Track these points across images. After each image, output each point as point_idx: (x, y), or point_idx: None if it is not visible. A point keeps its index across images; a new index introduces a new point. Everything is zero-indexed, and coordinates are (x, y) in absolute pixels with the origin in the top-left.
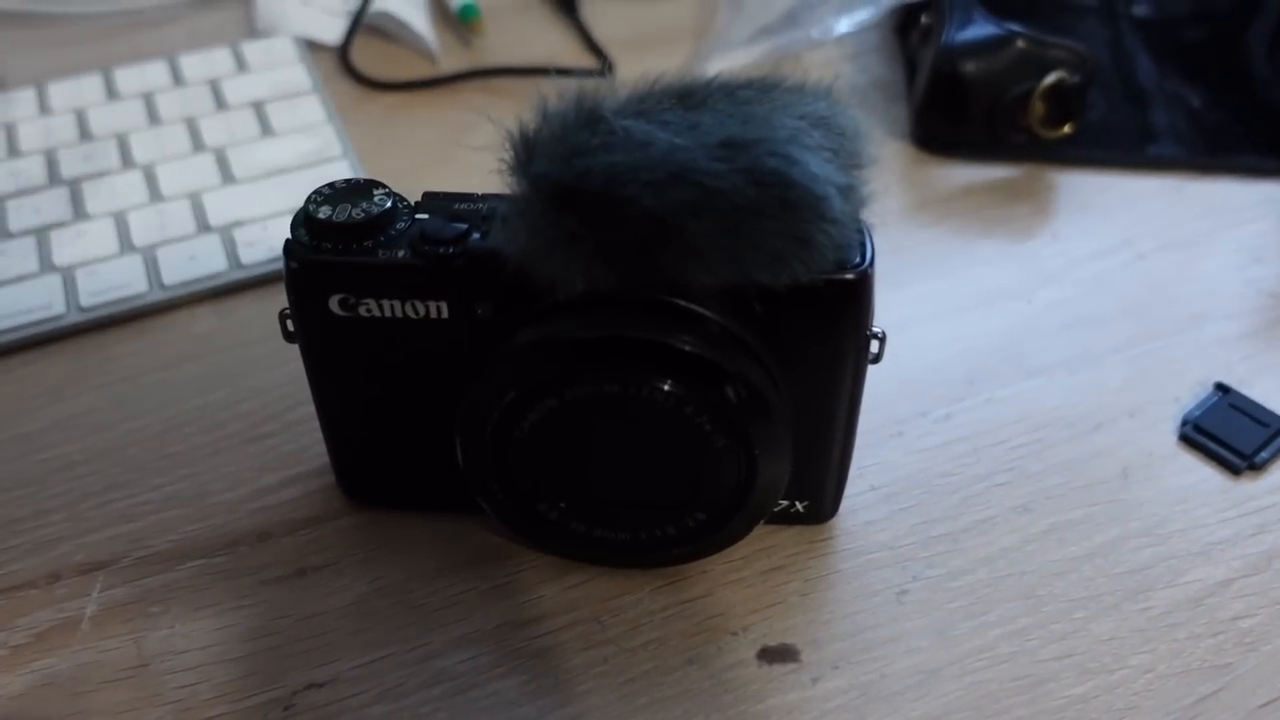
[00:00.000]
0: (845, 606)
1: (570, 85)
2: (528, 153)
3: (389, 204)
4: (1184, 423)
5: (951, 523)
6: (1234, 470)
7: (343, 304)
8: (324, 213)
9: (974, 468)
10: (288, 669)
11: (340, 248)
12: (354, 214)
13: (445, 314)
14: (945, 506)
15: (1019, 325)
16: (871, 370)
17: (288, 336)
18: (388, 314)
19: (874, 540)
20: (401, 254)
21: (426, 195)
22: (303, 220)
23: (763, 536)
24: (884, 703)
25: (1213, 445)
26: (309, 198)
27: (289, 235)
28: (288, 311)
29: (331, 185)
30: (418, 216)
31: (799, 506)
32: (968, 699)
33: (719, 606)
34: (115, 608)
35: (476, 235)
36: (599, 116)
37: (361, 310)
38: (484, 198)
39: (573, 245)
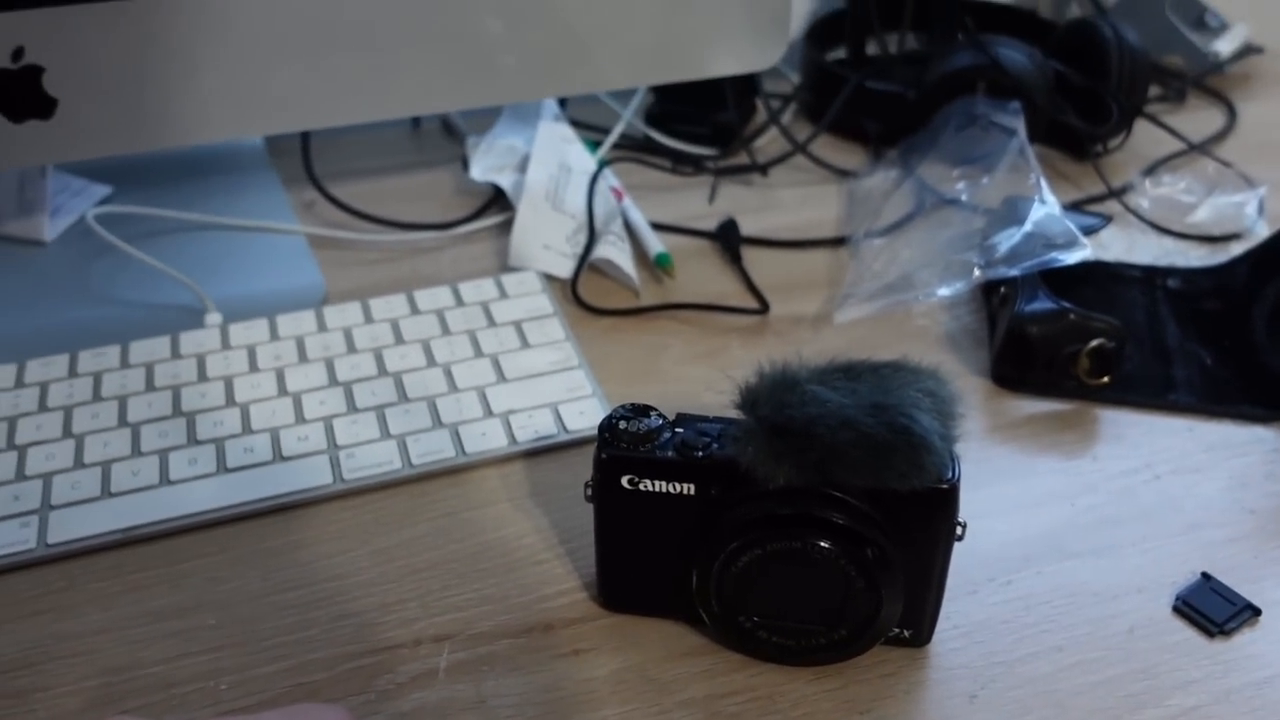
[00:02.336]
0: (934, 704)
1: (779, 356)
2: (752, 399)
3: (659, 422)
4: (1176, 598)
5: (1009, 653)
6: (1209, 634)
7: (630, 482)
8: (623, 424)
9: (1026, 617)
10: (569, 714)
11: (630, 446)
12: (640, 426)
13: (692, 492)
14: (1005, 642)
15: (1063, 521)
16: (956, 546)
17: (588, 499)
18: (656, 490)
19: (956, 662)
20: (670, 454)
21: (680, 415)
22: (608, 426)
23: (881, 651)
24: None
25: (1196, 615)
26: (613, 412)
27: (599, 433)
28: (589, 482)
29: (625, 406)
30: (677, 430)
31: (905, 633)
32: None
33: (851, 695)
34: (458, 664)
35: (716, 445)
36: (796, 382)
37: (640, 487)
38: (718, 420)
39: (779, 459)
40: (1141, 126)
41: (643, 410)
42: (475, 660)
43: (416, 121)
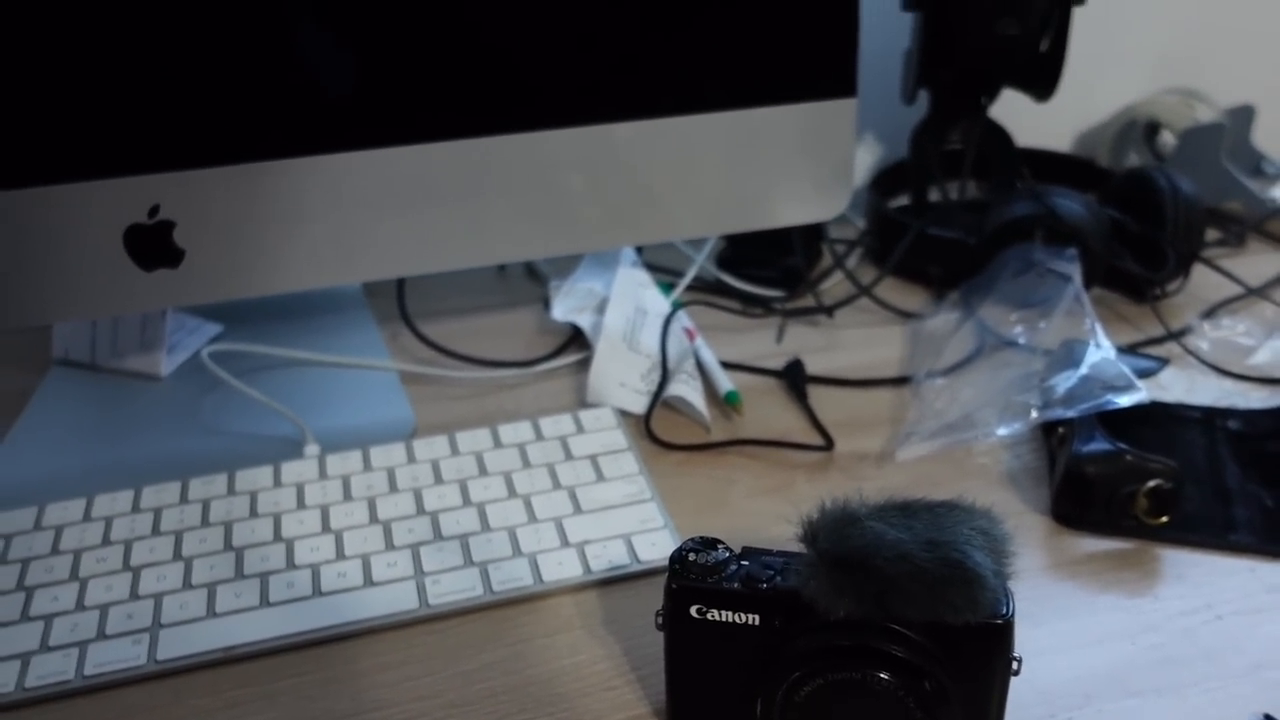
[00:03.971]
0: None
1: (841, 493)
2: (814, 534)
3: (726, 555)
4: None
5: None
6: None
7: (698, 611)
8: (692, 556)
9: None
10: None
11: (699, 578)
12: (707, 559)
13: (757, 622)
14: None
15: (1124, 659)
16: (1015, 681)
17: (659, 627)
18: (723, 619)
19: None
20: (735, 585)
21: (745, 549)
22: (678, 558)
23: None
24: None
25: None
26: (683, 544)
27: (669, 564)
28: (660, 611)
29: (693, 539)
30: (742, 563)
31: None
32: None
33: None
34: None
35: (779, 578)
36: (856, 518)
37: (708, 616)
38: (781, 554)
39: (840, 591)
40: (1199, 271)
41: (711, 543)
42: None
43: (502, 266)
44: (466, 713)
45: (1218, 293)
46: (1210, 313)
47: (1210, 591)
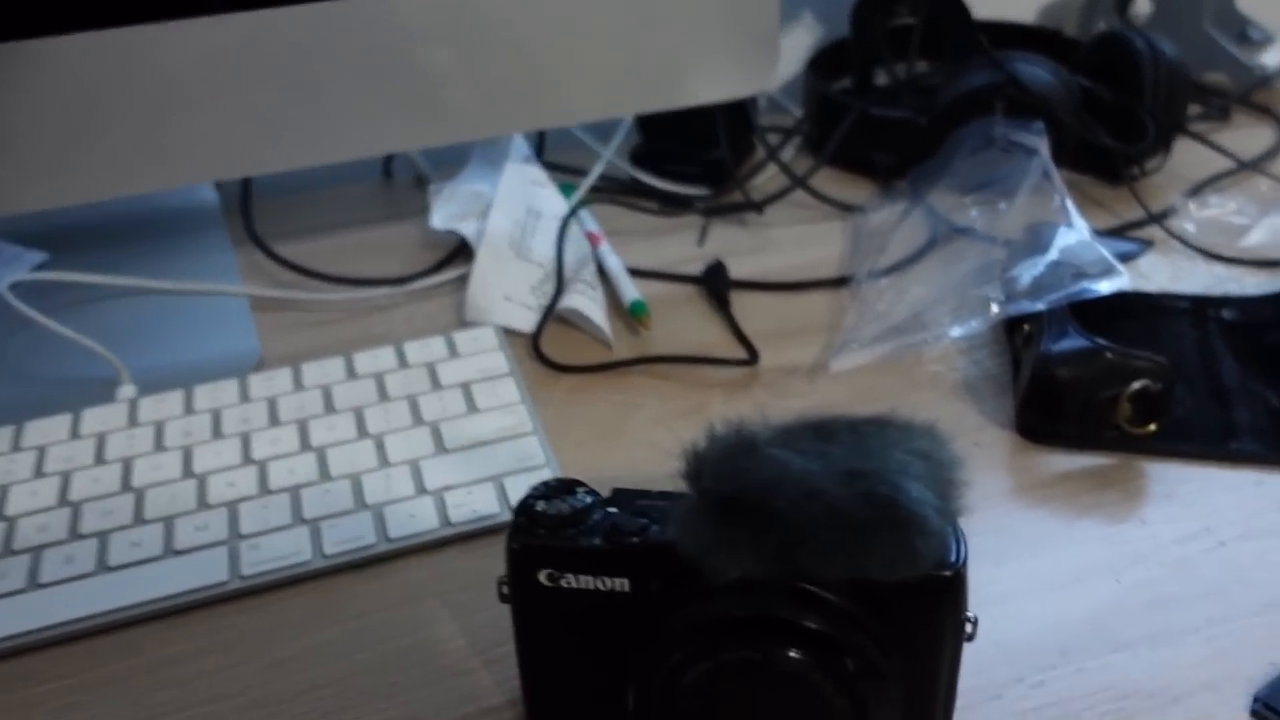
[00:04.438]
0: None
1: (732, 416)
2: (698, 468)
3: (588, 500)
4: (1255, 700)
5: None
6: None
7: (549, 577)
8: (540, 506)
9: None
10: None
11: (550, 534)
12: (562, 508)
13: (627, 588)
14: None
15: (1108, 602)
16: (968, 646)
17: (502, 599)
18: (583, 586)
19: None
20: (597, 541)
21: (615, 491)
22: (523, 510)
23: None
24: None
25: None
26: (529, 492)
27: (511, 520)
28: (503, 579)
29: (545, 483)
30: (609, 510)
31: None
32: None
33: None
34: None
35: (655, 529)
36: (754, 445)
37: (563, 583)
38: (660, 495)
39: (731, 545)
40: (1182, 146)
41: (568, 487)
42: None
43: (388, 173)
44: (272, 714)
45: (1203, 169)
46: (1196, 191)
47: (1209, 512)
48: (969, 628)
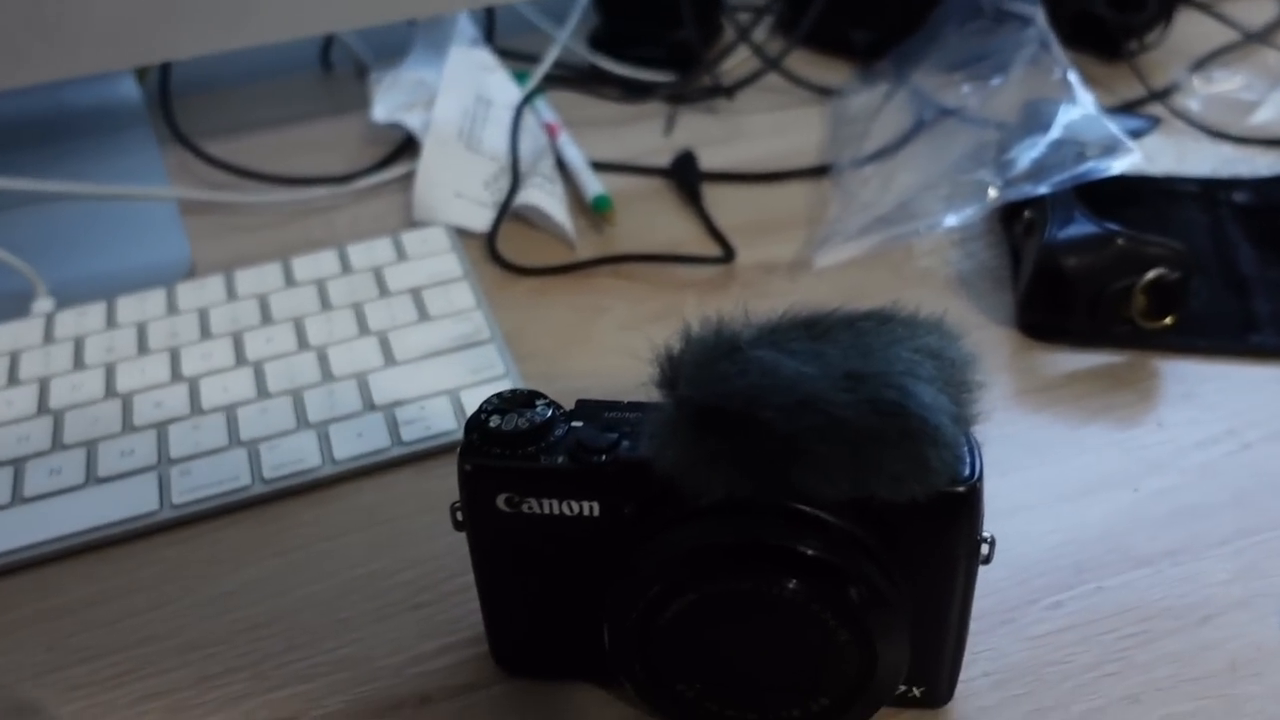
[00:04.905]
0: None
1: (711, 314)
2: (674, 374)
3: (549, 414)
4: None
5: (1063, 711)
6: None
7: (508, 502)
8: (494, 421)
9: (1083, 656)
10: None
11: (507, 452)
12: (519, 423)
13: (596, 513)
14: (1056, 695)
15: (1125, 514)
16: (982, 569)
17: (457, 526)
18: (546, 511)
19: None
20: (560, 460)
21: (580, 403)
22: (476, 426)
23: (882, 718)
24: None
25: None
26: (481, 406)
27: (463, 439)
28: (458, 504)
29: (500, 395)
30: (573, 425)
31: (915, 692)
32: None
33: None
34: None
35: (626, 444)
36: (736, 346)
37: (524, 507)
38: (631, 406)
39: (713, 461)
40: (1184, 17)
41: (525, 399)
42: None
43: (326, 63)
44: (208, 657)
45: (1207, 42)
46: (1200, 65)
47: (1231, 412)
48: (985, 549)
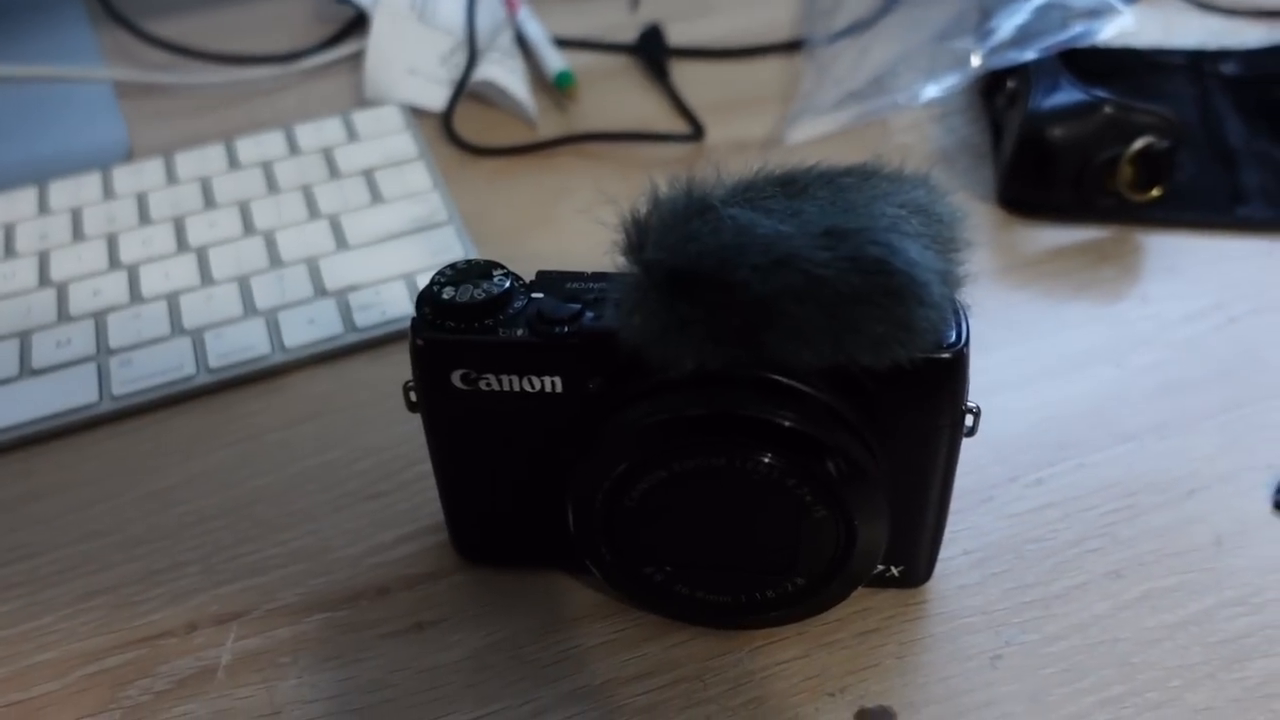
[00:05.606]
0: (940, 670)
1: (680, 174)
2: (640, 238)
3: (507, 284)
4: (1278, 490)
5: (1044, 588)
6: None
7: (464, 378)
8: (448, 293)
9: (1065, 533)
10: None
11: (463, 326)
12: (475, 294)
13: (559, 388)
14: (1038, 572)
15: (1109, 389)
16: (965, 442)
17: (411, 407)
18: (505, 388)
19: (967, 605)
20: (520, 332)
21: (540, 274)
22: (428, 300)
23: (859, 600)
24: None
25: None
26: (433, 278)
27: (414, 313)
28: (411, 383)
29: (454, 266)
30: (533, 296)
31: (894, 571)
32: None
33: (816, 668)
34: (248, 657)
35: (590, 315)
36: (708, 205)
37: (481, 384)
38: (594, 276)
39: (684, 328)
40: None
41: (482, 270)
42: (273, 648)
43: None
44: (154, 551)
45: None
46: None
47: (1217, 286)
48: (970, 420)
